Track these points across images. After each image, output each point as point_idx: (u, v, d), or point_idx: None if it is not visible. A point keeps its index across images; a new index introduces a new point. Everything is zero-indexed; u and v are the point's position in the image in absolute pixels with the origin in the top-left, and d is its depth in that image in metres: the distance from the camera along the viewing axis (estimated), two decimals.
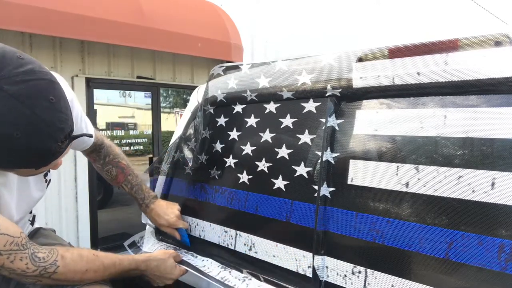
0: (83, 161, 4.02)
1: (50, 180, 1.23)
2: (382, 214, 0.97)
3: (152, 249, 1.58)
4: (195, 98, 1.61)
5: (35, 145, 0.79)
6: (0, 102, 0.74)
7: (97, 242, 4.19)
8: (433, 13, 8.57)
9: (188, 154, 1.55)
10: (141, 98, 5.08)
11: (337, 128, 1.10)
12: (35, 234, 1.31)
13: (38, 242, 1.25)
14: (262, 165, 1.27)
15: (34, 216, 1.28)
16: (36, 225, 1.34)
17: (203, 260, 1.39)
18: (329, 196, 1.08)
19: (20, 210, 1.13)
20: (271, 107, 1.29)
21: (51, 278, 0.99)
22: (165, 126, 5.10)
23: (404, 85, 0.97)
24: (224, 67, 1.46)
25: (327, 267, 1.06)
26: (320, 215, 1.08)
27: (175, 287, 1.35)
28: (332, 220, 1.07)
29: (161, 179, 1.66)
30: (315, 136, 1.15)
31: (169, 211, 1.50)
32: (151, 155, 5.00)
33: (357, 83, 1.05)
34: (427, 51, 0.93)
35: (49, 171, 1.20)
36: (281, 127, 1.24)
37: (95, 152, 1.42)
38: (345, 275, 1.02)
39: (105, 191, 4.82)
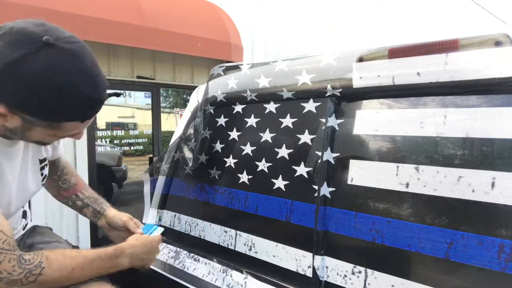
0: (83, 161, 4.02)
1: (46, 175, 1.23)
2: (382, 214, 0.97)
3: None
4: (195, 98, 1.61)
5: (89, 93, 0.89)
6: (61, 57, 0.85)
7: (97, 242, 4.20)
8: (433, 13, 8.57)
9: (188, 154, 1.55)
10: (141, 98, 5.08)
11: (337, 128, 1.10)
12: (32, 232, 1.30)
13: (36, 240, 1.25)
14: (262, 165, 1.27)
15: (25, 212, 1.28)
16: (29, 221, 1.34)
17: (203, 261, 1.39)
18: (329, 196, 1.08)
19: (19, 201, 1.12)
20: (271, 107, 1.29)
21: (36, 282, 0.94)
22: (165, 126, 5.10)
23: (404, 85, 0.97)
24: (224, 67, 1.46)
25: (327, 267, 1.06)
26: (320, 215, 1.08)
27: None
28: (332, 220, 1.07)
29: (161, 179, 1.66)
30: (315, 136, 1.15)
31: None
32: (151, 155, 4.99)
33: (357, 83, 1.05)
34: (427, 51, 0.93)
35: (46, 165, 1.20)
36: (281, 127, 1.24)
37: (56, 163, 1.41)
38: (345, 275, 1.02)
39: (105, 191, 4.82)
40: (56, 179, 1.42)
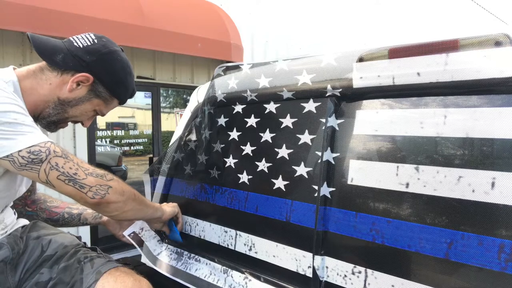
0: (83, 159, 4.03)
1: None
2: (382, 214, 0.97)
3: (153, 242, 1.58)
4: (195, 98, 1.61)
5: (133, 83, 1.33)
6: (124, 57, 1.29)
7: (97, 242, 4.19)
8: (433, 13, 8.58)
9: (188, 154, 1.55)
10: (141, 98, 5.08)
11: (337, 128, 1.10)
12: (34, 227, 1.34)
13: (41, 233, 1.32)
14: (262, 165, 1.27)
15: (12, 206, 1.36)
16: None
17: (203, 261, 1.39)
18: (329, 196, 1.08)
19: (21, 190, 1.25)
20: (271, 107, 1.29)
21: (107, 185, 1.10)
22: (165, 126, 5.10)
23: (404, 85, 0.97)
24: (225, 67, 1.46)
25: (327, 267, 1.06)
26: (320, 215, 1.08)
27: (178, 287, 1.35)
28: (332, 220, 1.07)
29: (161, 179, 1.67)
30: (315, 136, 1.15)
31: None
32: (151, 155, 5.00)
33: (357, 83, 1.06)
34: (427, 51, 0.93)
35: None
36: (281, 127, 1.24)
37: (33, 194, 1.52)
38: (345, 275, 1.02)
39: None
40: (41, 202, 1.52)
